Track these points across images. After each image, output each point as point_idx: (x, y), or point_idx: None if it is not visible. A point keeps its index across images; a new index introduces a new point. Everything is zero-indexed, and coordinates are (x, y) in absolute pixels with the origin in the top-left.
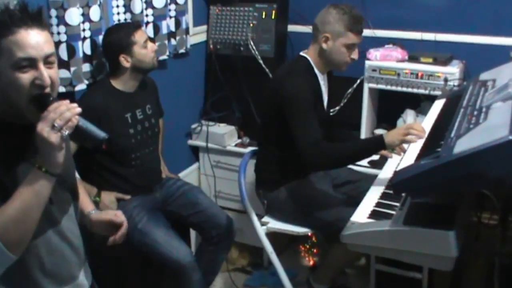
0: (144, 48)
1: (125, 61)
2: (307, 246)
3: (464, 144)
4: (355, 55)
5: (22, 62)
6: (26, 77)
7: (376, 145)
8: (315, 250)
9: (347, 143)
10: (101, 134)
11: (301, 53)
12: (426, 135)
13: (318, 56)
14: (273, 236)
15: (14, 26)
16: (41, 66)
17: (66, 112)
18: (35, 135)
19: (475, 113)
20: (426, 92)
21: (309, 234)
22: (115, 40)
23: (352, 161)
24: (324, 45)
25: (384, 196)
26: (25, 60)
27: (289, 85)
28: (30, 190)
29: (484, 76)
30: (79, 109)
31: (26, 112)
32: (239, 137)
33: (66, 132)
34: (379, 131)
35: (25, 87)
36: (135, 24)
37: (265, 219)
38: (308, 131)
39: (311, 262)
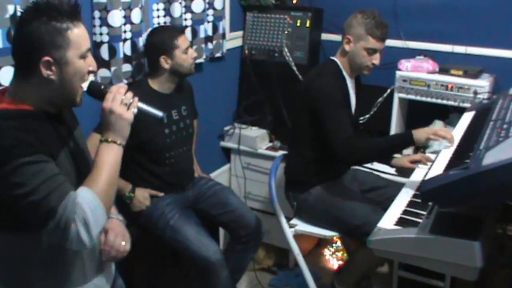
0: (185, 54)
1: (165, 63)
2: (332, 250)
3: (493, 156)
4: (376, 60)
5: (86, 52)
6: (86, 65)
7: (405, 140)
8: (340, 254)
9: (378, 139)
10: (160, 113)
11: (331, 57)
12: (453, 142)
13: (342, 58)
14: (299, 238)
15: (76, 20)
16: (90, 55)
17: (128, 92)
18: (102, 114)
19: (505, 126)
20: (456, 104)
21: (335, 238)
22: (159, 41)
23: (383, 156)
24: (346, 47)
25: (411, 204)
26: (87, 51)
27: (319, 85)
28: (111, 161)
29: None
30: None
31: (77, 93)
32: (270, 141)
33: (135, 110)
34: None
35: (85, 73)
36: (180, 29)
37: (293, 221)
38: (340, 127)
39: (336, 266)
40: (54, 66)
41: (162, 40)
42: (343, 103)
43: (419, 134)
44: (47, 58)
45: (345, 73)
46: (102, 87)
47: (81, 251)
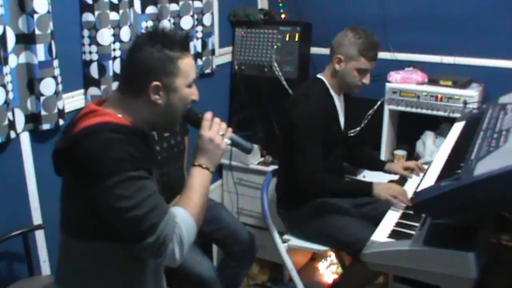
0: None
1: None
2: (327, 264)
3: (485, 166)
4: (366, 80)
5: (193, 82)
6: (191, 94)
7: (366, 190)
8: (334, 268)
9: (341, 180)
10: (248, 144)
11: (318, 75)
12: (408, 203)
13: (332, 76)
14: (293, 253)
15: (186, 50)
16: (195, 85)
17: (223, 123)
18: (199, 140)
19: (495, 136)
20: (446, 114)
21: (329, 252)
22: None
23: (340, 197)
24: (337, 66)
25: (404, 216)
26: (194, 80)
27: (301, 111)
28: (203, 185)
29: (503, 99)
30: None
31: (177, 120)
32: (262, 156)
33: (228, 141)
34: (398, 152)
35: (190, 102)
36: None
37: (286, 236)
38: (308, 158)
39: (331, 280)
40: (162, 91)
41: None
42: (319, 133)
43: (380, 191)
44: (156, 83)
45: (332, 92)
46: (200, 115)
47: (152, 268)
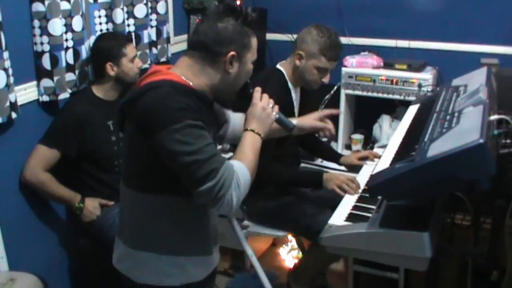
0: (131, 63)
1: (111, 70)
2: (288, 249)
3: (437, 148)
4: (326, 79)
5: (255, 60)
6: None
7: (315, 181)
8: (295, 253)
9: (291, 171)
10: (292, 122)
11: (277, 66)
12: (357, 193)
13: (291, 70)
14: (254, 239)
15: (254, 30)
16: None
17: (270, 99)
18: (252, 109)
19: (448, 117)
20: (401, 98)
21: (289, 237)
22: (107, 47)
23: (289, 186)
24: (297, 62)
25: (360, 199)
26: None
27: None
28: (255, 146)
29: (456, 82)
30: None
31: (235, 94)
32: (219, 144)
33: (277, 115)
34: (356, 137)
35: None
36: (128, 37)
37: (245, 222)
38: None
39: (292, 265)
40: (236, 62)
41: (110, 46)
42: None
43: (327, 182)
44: (234, 53)
45: (290, 84)
46: (251, 89)
47: (207, 223)
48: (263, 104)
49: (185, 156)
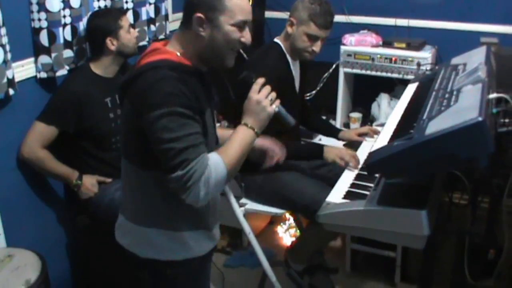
0: (129, 33)
1: (111, 44)
2: (286, 227)
3: (436, 126)
4: (316, 47)
5: (240, 23)
6: (238, 34)
7: (315, 153)
8: (293, 231)
9: (291, 143)
10: (292, 119)
11: (275, 39)
12: (357, 166)
13: (286, 40)
14: (252, 217)
15: None
16: (247, 28)
17: (272, 92)
18: (247, 102)
19: (447, 96)
20: (400, 76)
21: (286, 215)
22: (103, 23)
23: (292, 159)
24: (289, 29)
25: (358, 177)
26: (242, 22)
27: (258, 71)
28: (245, 142)
29: (455, 60)
30: None
31: (225, 57)
32: (218, 121)
33: (276, 108)
34: (354, 115)
35: (235, 41)
36: (121, 10)
37: (243, 200)
38: None
39: (289, 243)
40: (206, 25)
41: (106, 21)
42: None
43: (329, 153)
44: (199, 15)
45: (288, 56)
46: (254, 79)
47: (212, 204)
48: (259, 97)
49: (164, 142)
